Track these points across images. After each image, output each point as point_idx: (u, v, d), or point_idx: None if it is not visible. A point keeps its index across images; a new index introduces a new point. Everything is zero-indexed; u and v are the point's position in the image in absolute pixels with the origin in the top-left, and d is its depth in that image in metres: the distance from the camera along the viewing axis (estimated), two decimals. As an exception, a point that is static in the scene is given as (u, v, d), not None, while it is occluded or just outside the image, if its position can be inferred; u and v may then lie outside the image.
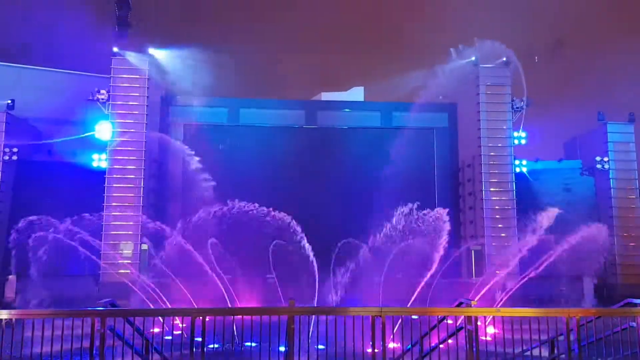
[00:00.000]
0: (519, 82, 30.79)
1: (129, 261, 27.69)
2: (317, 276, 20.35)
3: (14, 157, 28.45)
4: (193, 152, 29.31)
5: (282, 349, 8.32)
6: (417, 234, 22.18)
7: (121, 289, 24.15)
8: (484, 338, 8.78)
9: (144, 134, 28.95)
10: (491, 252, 28.96)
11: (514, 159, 30.56)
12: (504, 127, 30.46)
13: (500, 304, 19.50)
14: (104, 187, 28.15)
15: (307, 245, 20.18)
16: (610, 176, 30.78)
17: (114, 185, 28.31)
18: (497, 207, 29.82)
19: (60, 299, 21.00)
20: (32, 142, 29.69)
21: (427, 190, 31.63)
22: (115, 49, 29.24)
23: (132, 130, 28.77)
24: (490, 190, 29.97)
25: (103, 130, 29.02)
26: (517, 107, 30.48)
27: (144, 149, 28.90)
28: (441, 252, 21.22)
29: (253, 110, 33.15)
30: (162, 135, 30.47)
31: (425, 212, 22.13)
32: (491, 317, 8.98)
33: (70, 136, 29.59)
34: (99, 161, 29.11)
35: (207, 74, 29.68)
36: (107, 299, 8.69)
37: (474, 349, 7.75)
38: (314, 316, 9.18)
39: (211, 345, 8.68)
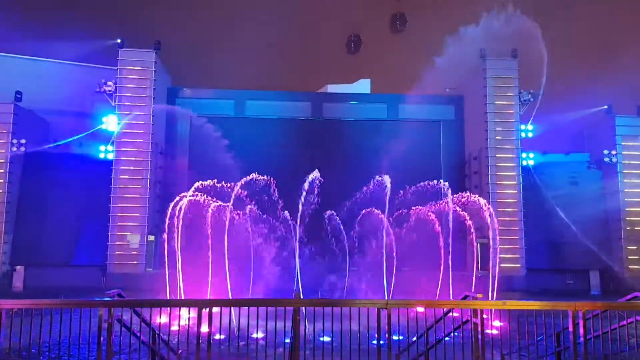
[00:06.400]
0: (527, 74, 30.56)
1: (136, 252, 27.94)
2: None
3: (22, 149, 28.60)
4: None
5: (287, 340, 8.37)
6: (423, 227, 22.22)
7: (128, 280, 24.32)
8: (489, 331, 8.78)
9: (151, 125, 29.08)
10: (497, 245, 28.86)
11: (521, 151, 30.42)
12: (511, 120, 30.31)
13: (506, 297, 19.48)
14: (111, 178, 28.30)
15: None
16: (618, 170, 30.55)
17: (121, 176, 28.44)
18: (503, 200, 29.74)
19: (67, 289, 21.16)
20: (41, 135, 29.78)
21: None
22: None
23: (139, 122, 28.90)
24: (496, 184, 29.91)
25: (111, 122, 29.15)
26: (524, 100, 30.32)
27: (150, 140, 29.00)
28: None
29: (259, 102, 33.13)
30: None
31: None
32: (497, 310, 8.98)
33: (78, 128, 29.68)
34: (106, 152, 29.25)
35: (214, 66, 29.72)
36: (115, 290, 8.73)
37: (480, 342, 7.76)
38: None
39: (217, 336, 8.73)
